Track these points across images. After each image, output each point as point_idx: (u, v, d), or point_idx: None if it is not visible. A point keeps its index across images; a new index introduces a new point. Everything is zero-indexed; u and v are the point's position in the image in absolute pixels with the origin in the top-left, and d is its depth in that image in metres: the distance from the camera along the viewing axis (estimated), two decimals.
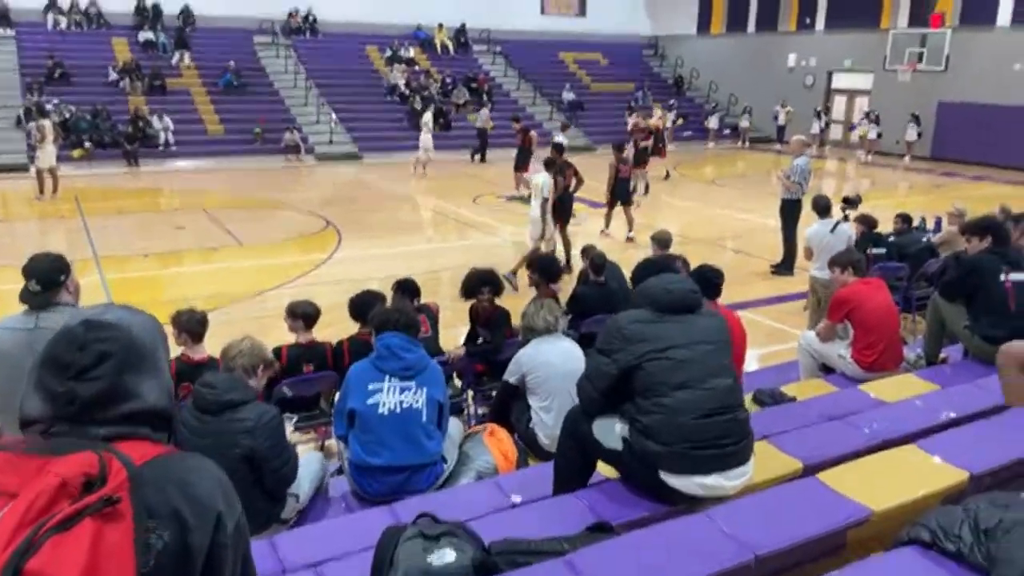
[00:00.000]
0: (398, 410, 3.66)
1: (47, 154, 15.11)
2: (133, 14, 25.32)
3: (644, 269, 3.89)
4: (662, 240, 7.10)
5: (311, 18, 27.97)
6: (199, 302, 9.12)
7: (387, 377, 3.69)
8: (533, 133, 17.83)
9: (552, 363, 4.25)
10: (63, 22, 24.41)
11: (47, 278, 3.31)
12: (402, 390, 3.68)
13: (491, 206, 15.87)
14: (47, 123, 15.86)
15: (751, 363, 7.27)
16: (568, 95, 28.81)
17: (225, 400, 3.25)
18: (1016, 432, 3.37)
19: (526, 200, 13.02)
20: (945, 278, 5.11)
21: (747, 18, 30.80)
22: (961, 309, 4.70)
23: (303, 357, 4.92)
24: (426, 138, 19.76)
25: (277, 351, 4.77)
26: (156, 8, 25.42)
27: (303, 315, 5.03)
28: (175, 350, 4.41)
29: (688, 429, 2.89)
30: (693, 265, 7.04)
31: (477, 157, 22.59)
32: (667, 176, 19.08)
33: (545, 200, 9.93)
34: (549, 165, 10.59)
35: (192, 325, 4.45)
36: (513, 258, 10.24)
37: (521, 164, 16.61)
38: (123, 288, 9.64)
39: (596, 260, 6.29)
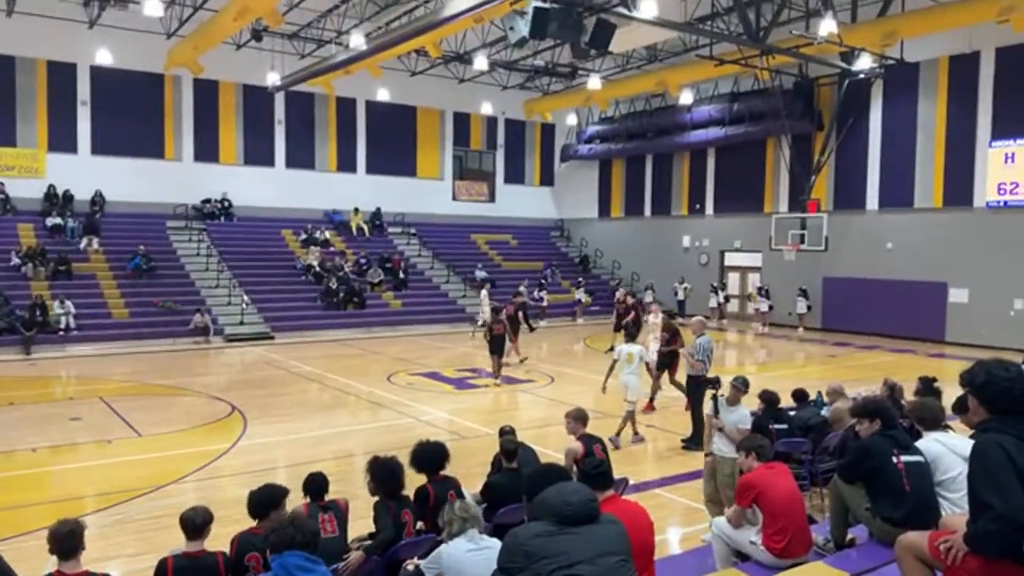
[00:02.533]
0: None
1: None
2: (42, 200, 25.19)
3: (539, 478, 3.73)
4: (580, 417, 6.83)
5: (226, 203, 28.46)
6: (90, 501, 8.67)
7: None
8: (521, 299, 19.82)
9: (480, 575, 3.81)
10: None
11: None
12: None
13: (404, 385, 15.76)
14: None
15: (672, 546, 7.20)
16: (480, 273, 29.79)
17: None
18: None
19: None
20: (842, 462, 5.31)
21: (643, 204, 33.20)
22: (861, 491, 4.86)
23: (188, 571, 4.44)
24: (486, 310, 22.36)
25: (162, 565, 4.42)
26: (67, 194, 25.40)
27: (185, 525, 4.61)
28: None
29: None
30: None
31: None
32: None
33: (646, 363, 11.15)
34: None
35: (60, 543, 4.07)
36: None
37: (514, 335, 18.52)
38: (5, 488, 8.93)
39: (507, 446, 6.07)
